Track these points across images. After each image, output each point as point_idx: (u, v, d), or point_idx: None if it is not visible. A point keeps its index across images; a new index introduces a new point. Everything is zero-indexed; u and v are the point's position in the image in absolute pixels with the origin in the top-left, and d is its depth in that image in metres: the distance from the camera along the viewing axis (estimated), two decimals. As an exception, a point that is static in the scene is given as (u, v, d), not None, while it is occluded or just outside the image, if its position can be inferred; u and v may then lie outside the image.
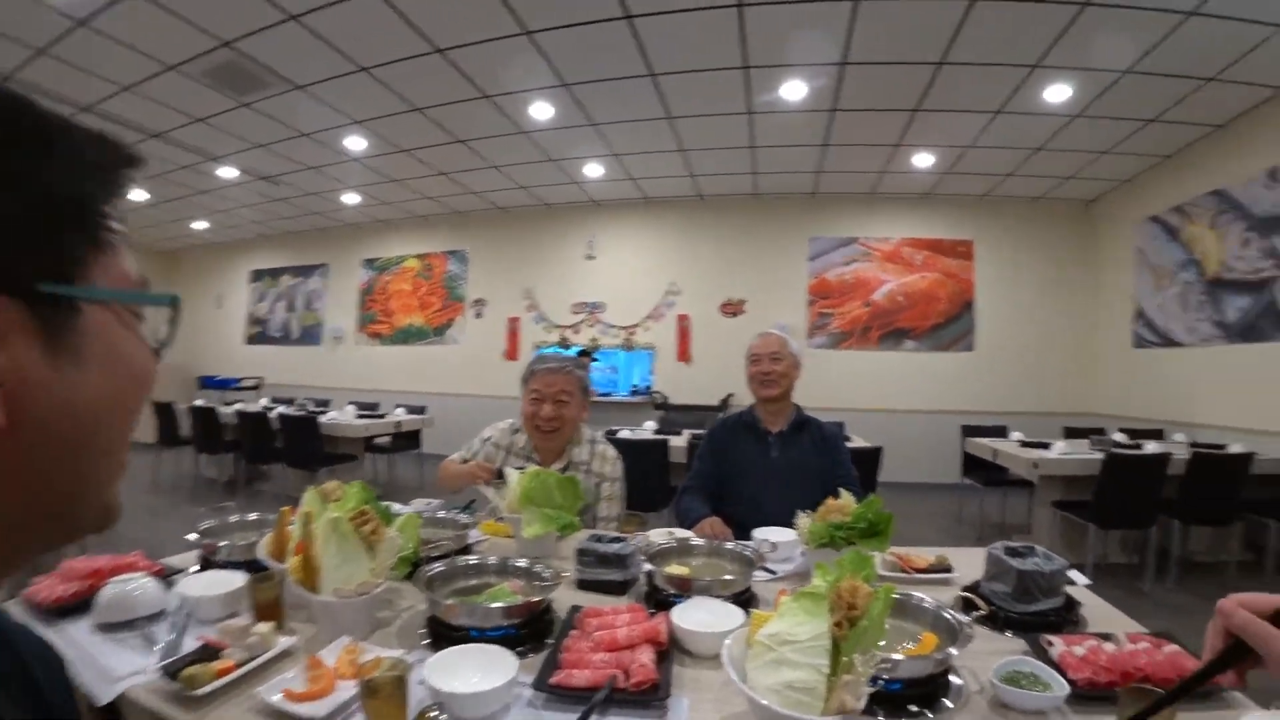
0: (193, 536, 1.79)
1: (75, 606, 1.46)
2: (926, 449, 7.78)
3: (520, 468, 2.03)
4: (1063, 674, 1.16)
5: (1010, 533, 5.71)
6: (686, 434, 5.62)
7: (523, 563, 1.61)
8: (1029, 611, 1.44)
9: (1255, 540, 4.76)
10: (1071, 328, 7.94)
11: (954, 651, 1.14)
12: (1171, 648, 1.25)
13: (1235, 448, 4.81)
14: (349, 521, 1.41)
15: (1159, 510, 4.35)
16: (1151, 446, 4.79)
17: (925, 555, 1.87)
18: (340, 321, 10.44)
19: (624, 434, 5.48)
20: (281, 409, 6.68)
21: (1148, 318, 6.90)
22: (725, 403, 8.03)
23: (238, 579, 1.52)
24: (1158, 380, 6.71)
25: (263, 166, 7.37)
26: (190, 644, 1.33)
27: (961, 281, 8.12)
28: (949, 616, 1.28)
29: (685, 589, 1.51)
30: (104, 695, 1.16)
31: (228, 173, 7.54)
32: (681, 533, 2.02)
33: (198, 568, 1.74)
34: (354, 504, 1.50)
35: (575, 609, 1.44)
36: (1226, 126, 5.76)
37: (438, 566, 1.52)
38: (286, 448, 6.13)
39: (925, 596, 1.38)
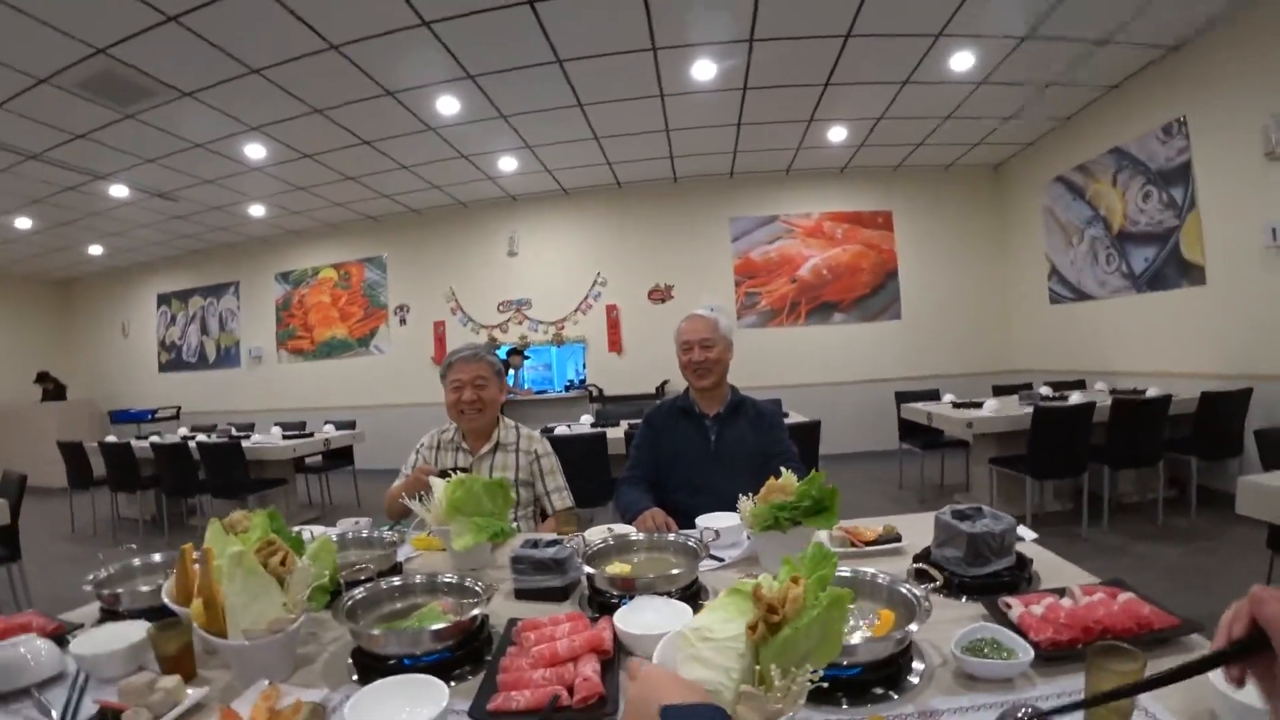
0: (88, 587, 1.62)
1: None
2: (863, 418, 7.96)
3: (448, 472, 1.93)
4: (1024, 636, 1.14)
5: (951, 493, 5.90)
6: (624, 424, 5.56)
7: (452, 578, 1.51)
8: (983, 574, 1.42)
9: (1178, 477, 5.03)
10: (990, 289, 8.26)
11: (914, 628, 1.10)
12: (1125, 595, 1.23)
13: (1152, 392, 5.05)
14: (254, 554, 1.29)
15: (1089, 457, 4.53)
16: (1075, 397, 4.96)
17: (873, 526, 1.84)
18: (258, 340, 9.99)
19: (560, 430, 5.38)
20: (201, 437, 6.33)
21: (1060, 274, 7.20)
22: (661, 389, 8.05)
23: (139, 630, 1.38)
24: (1075, 333, 7.03)
25: (156, 182, 6.93)
26: (89, 709, 1.21)
27: (883, 252, 8.32)
28: (905, 591, 1.24)
29: (628, 589, 1.43)
30: None
31: (118, 191, 7.05)
32: (620, 528, 1.94)
33: (98, 620, 1.59)
34: (260, 534, 1.38)
35: (512, 622, 1.35)
36: (1120, 86, 6.04)
37: (359, 592, 1.41)
38: (210, 478, 5.83)
39: (879, 572, 1.34)
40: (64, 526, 6.59)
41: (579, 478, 2.69)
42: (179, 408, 9.86)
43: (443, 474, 2.01)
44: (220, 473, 5.75)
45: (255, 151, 6.26)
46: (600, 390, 8.31)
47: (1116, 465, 4.61)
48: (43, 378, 9.84)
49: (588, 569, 1.50)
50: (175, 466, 5.89)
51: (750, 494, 1.72)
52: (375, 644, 1.24)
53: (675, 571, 1.47)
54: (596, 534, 1.87)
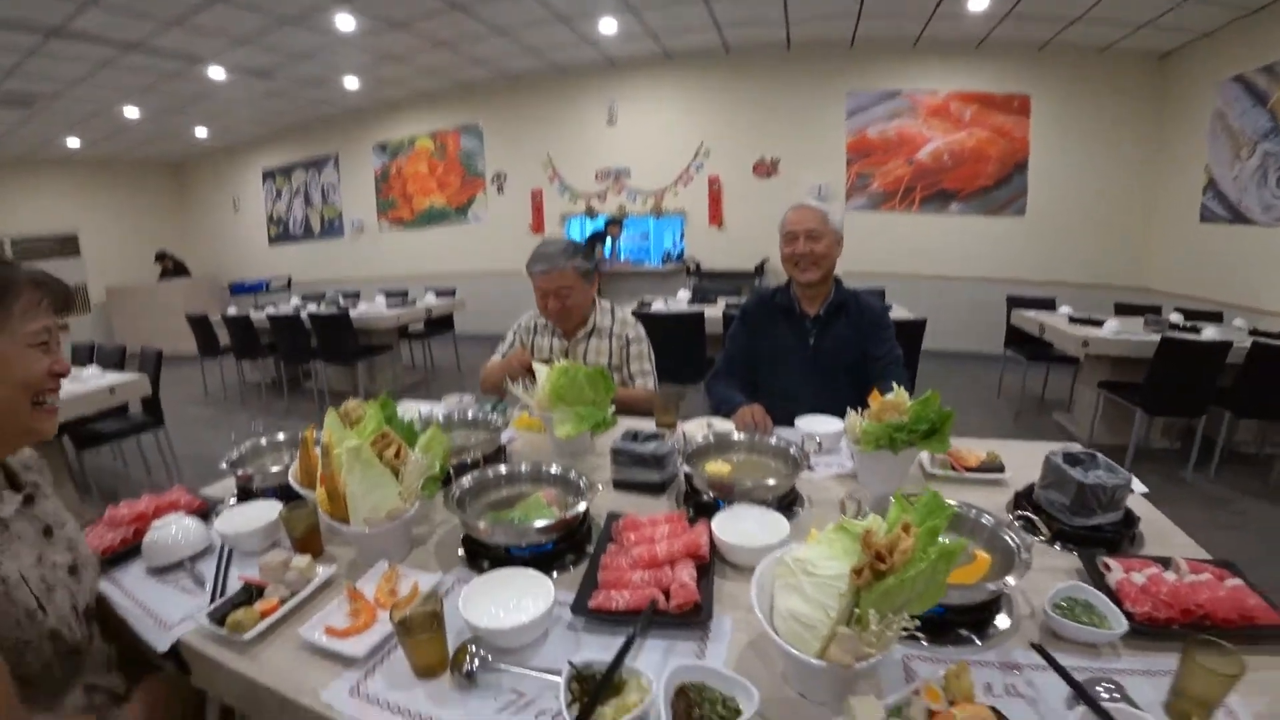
0: (224, 467, 1.76)
1: (125, 553, 1.48)
2: (969, 318, 7.44)
3: (548, 360, 1.95)
4: (1119, 603, 1.08)
5: (1050, 409, 5.59)
6: (722, 302, 5.49)
7: (556, 469, 1.56)
8: (1086, 525, 1.34)
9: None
10: (1131, 195, 7.14)
11: (1010, 581, 1.06)
12: (1234, 581, 1.13)
13: (1300, 338, 4.37)
14: (370, 448, 1.35)
15: (1211, 399, 4.06)
16: (1210, 332, 4.34)
17: (975, 450, 1.75)
18: (359, 211, 10.25)
19: (658, 306, 5.38)
20: (312, 307, 6.67)
21: (1219, 190, 6.14)
22: (761, 268, 7.80)
23: (272, 510, 1.50)
24: (1222, 259, 6.08)
25: (251, 62, 6.95)
26: (236, 580, 1.33)
27: (1014, 140, 7.30)
28: (1008, 539, 1.18)
29: (727, 494, 1.44)
30: (161, 643, 1.18)
31: (216, 74, 7.10)
32: (720, 424, 1.94)
33: (235, 499, 1.73)
34: (374, 427, 1.44)
35: (613, 517, 1.39)
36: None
37: (466, 482, 1.47)
38: (322, 346, 6.13)
39: (984, 511, 1.27)
40: (197, 391, 7.22)
41: (674, 356, 2.66)
42: (290, 278, 10.33)
43: (545, 361, 2.05)
44: (330, 341, 6.06)
45: (345, 22, 6.12)
46: (698, 265, 8.14)
47: (1241, 413, 4.06)
48: (161, 257, 10.49)
49: (686, 468, 1.51)
50: (289, 336, 6.23)
51: (860, 408, 1.64)
52: (483, 535, 1.30)
53: (772, 482, 1.45)
54: (697, 429, 1.88)
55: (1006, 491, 1.60)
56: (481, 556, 1.34)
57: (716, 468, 1.55)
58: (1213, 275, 6.19)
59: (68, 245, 9.96)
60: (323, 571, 1.32)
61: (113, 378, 4.05)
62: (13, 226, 9.47)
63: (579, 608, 1.11)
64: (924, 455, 1.69)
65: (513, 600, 1.13)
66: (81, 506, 3.98)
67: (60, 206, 10.09)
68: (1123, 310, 5.57)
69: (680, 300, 5.87)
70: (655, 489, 1.59)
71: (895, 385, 1.65)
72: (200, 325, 6.62)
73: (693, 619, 1.08)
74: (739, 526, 1.29)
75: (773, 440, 1.68)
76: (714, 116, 8.11)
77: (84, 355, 4.76)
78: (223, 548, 1.47)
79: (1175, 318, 4.97)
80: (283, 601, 1.24)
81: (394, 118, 9.67)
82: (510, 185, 9.19)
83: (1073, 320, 5.03)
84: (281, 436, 1.93)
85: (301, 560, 1.32)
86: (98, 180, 10.59)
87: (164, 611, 1.28)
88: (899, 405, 1.55)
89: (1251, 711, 0.89)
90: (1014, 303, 5.91)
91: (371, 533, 1.30)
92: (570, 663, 0.94)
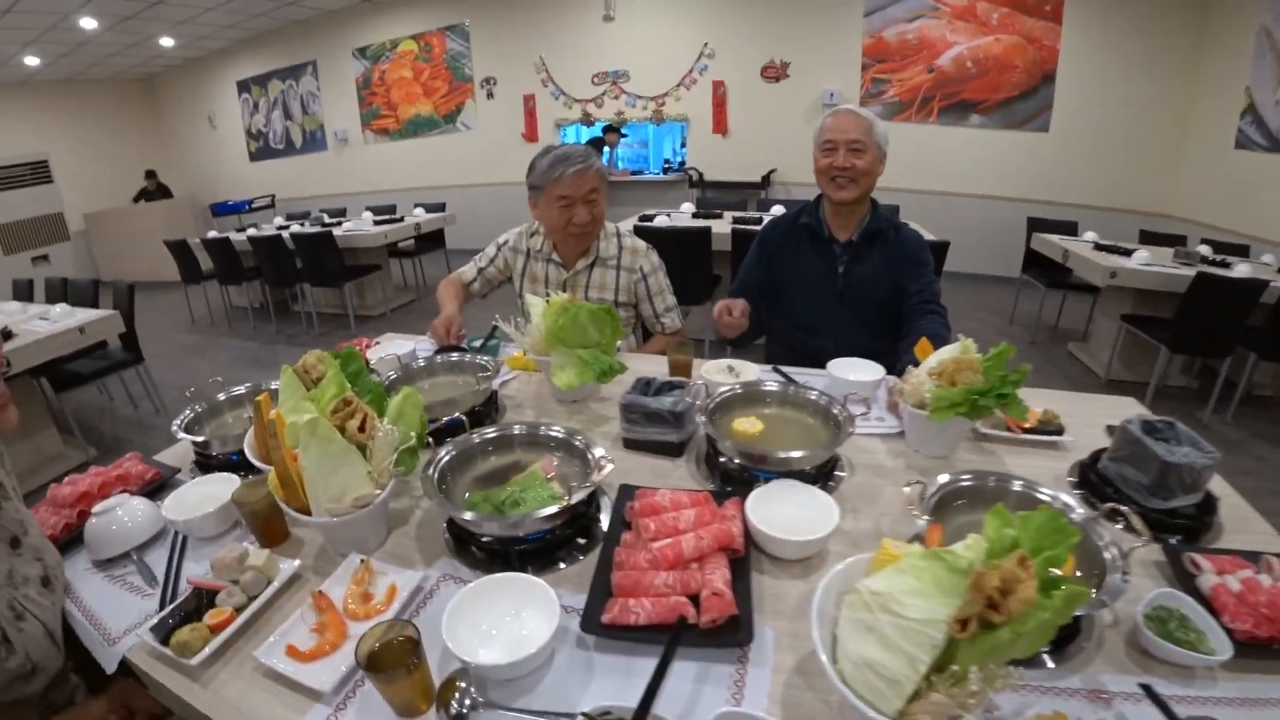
0: (178, 432, 1.51)
1: (68, 542, 1.27)
2: (984, 238, 6.98)
3: (546, 295, 1.69)
4: (1215, 615, 0.89)
5: (1065, 339, 5.32)
6: (729, 217, 5.16)
7: (557, 430, 1.32)
8: (1162, 509, 1.13)
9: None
10: (1164, 115, 6.48)
11: (1105, 601, 0.84)
12: None
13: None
14: (329, 420, 1.12)
15: (1238, 340, 3.80)
16: (1242, 269, 4.00)
17: (1030, 407, 1.50)
18: (342, 122, 9.71)
19: (660, 220, 5.05)
20: (295, 227, 6.36)
21: (1259, 114, 5.53)
22: (767, 179, 7.36)
23: (230, 486, 1.29)
24: (1256, 189, 5.56)
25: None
26: (193, 569, 1.17)
27: (1043, 49, 6.61)
28: (1102, 546, 0.94)
29: (759, 463, 1.21)
30: (108, 662, 1.01)
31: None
32: (743, 367, 1.68)
33: (193, 471, 1.51)
34: (334, 392, 1.20)
35: (626, 492, 1.17)
36: None
37: (446, 453, 1.24)
38: (307, 267, 5.90)
39: (1074, 505, 1.04)
40: (184, 318, 6.93)
41: (679, 275, 2.38)
42: (273, 195, 9.89)
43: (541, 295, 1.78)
44: (315, 262, 5.80)
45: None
46: (700, 175, 7.70)
47: (1267, 354, 3.79)
48: (150, 175, 10.05)
49: (710, 431, 1.27)
50: (272, 258, 5.96)
51: (898, 351, 1.41)
52: (470, 525, 1.08)
53: (800, 453, 1.21)
54: (717, 373, 1.63)
55: (1065, 458, 1.37)
56: (470, 543, 1.13)
57: (745, 427, 1.32)
58: (1243, 206, 5.71)
59: (39, 171, 9.45)
60: (285, 568, 1.12)
61: (83, 315, 3.79)
62: (-21, 155, 9.00)
63: (590, 623, 0.90)
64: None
65: (509, 614, 0.93)
66: (66, 449, 3.83)
67: (28, 131, 9.54)
68: (1147, 239, 5.24)
69: (684, 213, 5.54)
70: (672, 450, 1.36)
71: (957, 337, 1.40)
72: (180, 250, 6.30)
73: (729, 638, 0.87)
74: (778, 510, 1.06)
75: (812, 395, 1.42)
76: (720, 14, 7.43)
77: (58, 292, 4.49)
78: (176, 535, 1.27)
79: (1203, 250, 4.62)
80: (238, 611, 1.04)
81: (374, 19, 9.02)
82: (501, 90, 8.64)
83: (1098, 247, 4.71)
84: (242, 389, 1.69)
85: (259, 556, 1.11)
86: (64, 101, 10.02)
87: (109, 618, 1.10)
88: (972, 363, 1.29)
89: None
90: (1035, 225, 5.54)
91: (338, 521, 1.08)
92: (584, 715, 0.74)
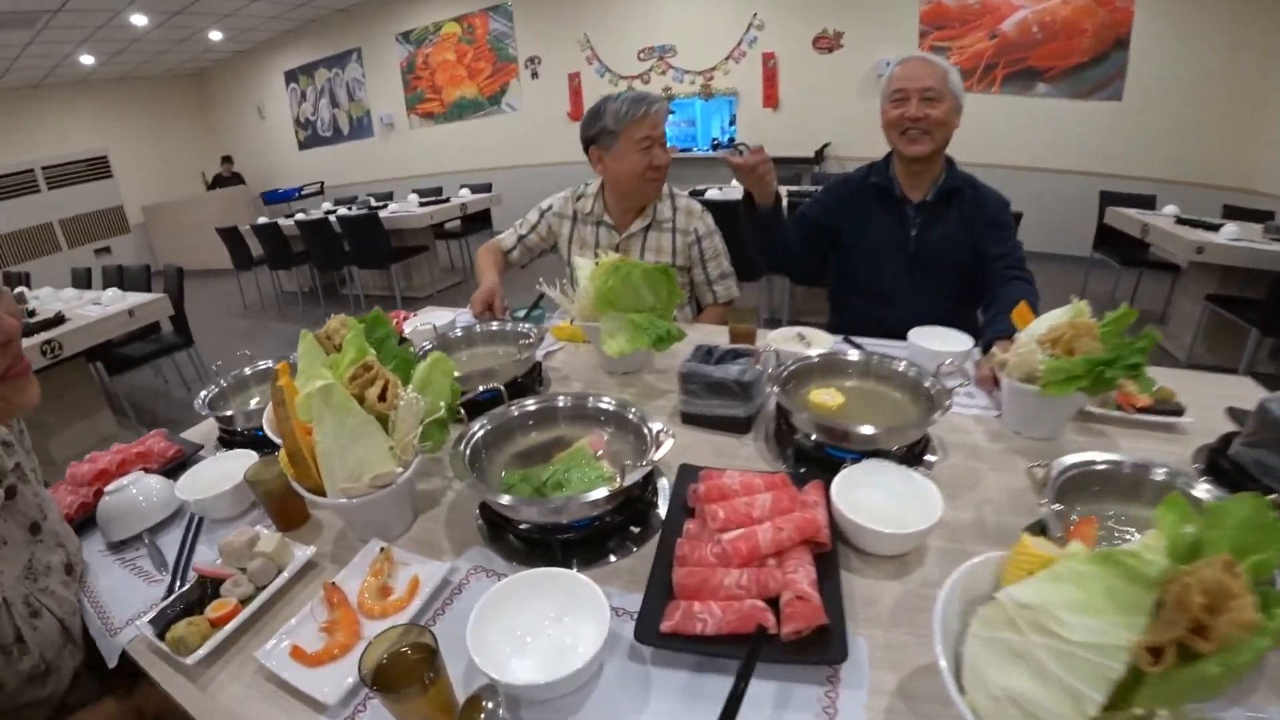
0: (202, 409, 1.40)
1: (83, 523, 1.17)
2: (1051, 215, 6.38)
3: (595, 257, 1.52)
4: None
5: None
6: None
7: (607, 403, 1.15)
8: None
9: None
10: (1250, 83, 5.84)
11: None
12: None
13: None
14: (346, 387, 0.97)
15: None
16: None
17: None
18: (388, 107, 9.67)
19: (712, 193, 4.85)
20: (342, 210, 6.35)
21: None
22: (821, 153, 7.02)
23: (248, 463, 1.16)
24: None
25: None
26: (211, 554, 1.05)
27: (1115, 10, 6.06)
28: None
29: (839, 440, 1.03)
30: (109, 656, 0.92)
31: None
32: (814, 335, 1.49)
33: (216, 448, 1.40)
34: (353, 356, 1.06)
35: (688, 473, 1.00)
36: None
37: (480, 427, 1.08)
38: (354, 250, 5.88)
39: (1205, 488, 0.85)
40: (236, 304, 7.00)
41: (730, 250, 2.19)
42: (322, 183, 9.89)
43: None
44: (362, 244, 5.78)
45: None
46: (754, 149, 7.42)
47: None
48: (227, 160, 10.32)
49: (784, 402, 1.09)
50: (320, 242, 5.96)
51: (1004, 331, 1.24)
52: (506, 511, 0.93)
53: (890, 430, 1.02)
54: (786, 342, 1.44)
55: (1185, 442, 1.16)
56: (507, 531, 0.97)
57: (825, 399, 1.13)
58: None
59: (98, 167, 9.68)
60: (300, 555, 0.99)
61: (133, 299, 3.81)
62: (42, 153, 9.20)
63: (647, 631, 0.74)
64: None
65: (548, 618, 0.77)
66: (120, 430, 3.85)
67: (86, 129, 9.77)
68: (1231, 214, 4.79)
69: (736, 188, 5.31)
70: (739, 425, 1.18)
71: (1069, 299, 1.20)
72: (231, 237, 6.35)
73: (818, 653, 0.70)
74: (868, 496, 0.88)
75: (900, 365, 1.22)
76: (769, -16, 7.08)
77: (114, 280, 4.54)
78: (192, 516, 1.16)
79: (1295, 226, 4.23)
80: (243, 604, 0.91)
81: (417, 3, 8.93)
82: (545, 69, 8.45)
83: (1180, 221, 4.32)
84: (268, 364, 1.57)
85: (270, 541, 0.98)
86: (120, 98, 10.22)
87: (115, 606, 0.98)
88: (1090, 328, 1.09)
89: None
90: (1108, 199, 5.13)
91: (355, 503, 0.94)
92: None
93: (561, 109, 8.42)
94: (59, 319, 3.40)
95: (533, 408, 1.15)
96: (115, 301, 3.77)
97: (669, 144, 1.96)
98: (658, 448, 0.94)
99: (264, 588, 0.93)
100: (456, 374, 1.19)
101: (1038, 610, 0.53)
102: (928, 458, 1.09)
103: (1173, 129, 6.14)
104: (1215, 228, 4.02)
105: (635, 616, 0.77)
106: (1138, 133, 6.26)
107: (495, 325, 1.66)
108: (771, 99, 7.41)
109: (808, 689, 0.70)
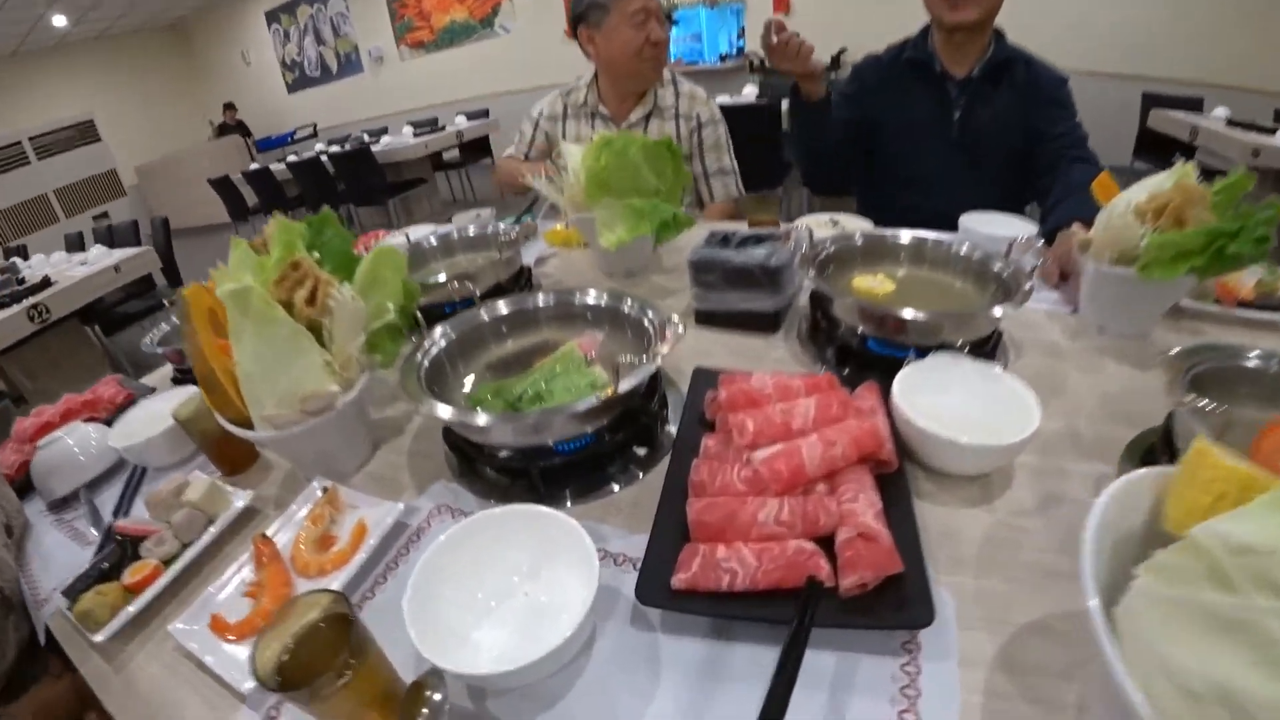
0: (153, 347, 1.24)
1: (23, 484, 1.03)
2: (1088, 119, 5.94)
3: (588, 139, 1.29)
4: None
5: None
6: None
7: (599, 298, 0.93)
8: None
9: None
10: None
11: None
12: None
13: None
14: (269, 291, 0.77)
15: None
16: None
17: (1243, 278, 1.04)
18: (376, 40, 9.27)
19: (722, 99, 4.52)
20: (334, 148, 6.10)
21: None
22: (837, 60, 6.59)
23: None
24: None
25: None
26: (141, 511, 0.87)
27: None
28: None
29: (893, 332, 0.81)
30: (40, 631, 0.79)
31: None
32: (849, 220, 1.24)
33: (171, 383, 1.25)
34: (279, 256, 0.85)
35: (704, 378, 0.79)
36: None
37: (442, 334, 0.88)
38: (349, 188, 5.61)
39: None
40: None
41: (744, 157, 1.93)
42: (315, 125, 9.61)
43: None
44: (355, 181, 5.57)
45: None
46: (762, 61, 6.94)
47: None
48: (229, 108, 9.98)
49: (822, 289, 0.86)
50: (313, 182, 5.78)
51: (1078, 213, 1.03)
52: (471, 434, 0.73)
53: (956, 317, 0.80)
54: (818, 227, 1.20)
55: None
56: (480, 461, 0.78)
57: (872, 285, 0.90)
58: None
59: (86, 132, 9.42)
60: (238, 502, 0.80)
61: (118, 255, 3.67)
62: (27, 124, 8.93)
63: (652, 588, 0.54)
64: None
65: (519, 573, 0.57)
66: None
67: (69, 94, 9.50)
68: None
69: (746, 96, 4.99)
70: (765, 323, 0.96)
71: (1173, 160, 0.98)
72: (224, 188, 6.18)
73: (892, 614, 0.50)
74: (937, 400, 0.67)
75: (961, 248, 0.98)
76: None
77: (104, 240, 4.38)
78: (135, 468, 1.00)
79: (1358, 129, 3.84)
80: (166, 565, 0.73)
81: (396, -75, 8.44)
82: (538, -15, 7.98)
83: (1231, 124, 3.97)
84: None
85: (199, 487, 0.80)
86: (100, 59, 9.93)
87: (45, 573, 0.86)
88: (1203, 194, 0.85)
89: None
90: (1152, 101, 4.74)
91: (285, 434, 0.74)
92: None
93: (558, 27, 7.94)
94: (45, 283, 3.28)
95: (507, 310, 0.94)
96: (101, 259, 3.63)
97: (674, 58, 1.69)
98: (665, 343, 0.73)
99: (191, 544, 0.76)
100: (430, 280, 0.97)
101: (1268, 557, 0.32)
102: (1000, 359, 0.88)
103: (1221, 27, 5.58)
104: (1270, 131, 3.69)
105: (638, 566, 0.57)
106: (1179, 28, 5.73)
107: (474, 231, 1.44)
108: (782, 2, 6.91)
109: (876, 663, 0.51)
